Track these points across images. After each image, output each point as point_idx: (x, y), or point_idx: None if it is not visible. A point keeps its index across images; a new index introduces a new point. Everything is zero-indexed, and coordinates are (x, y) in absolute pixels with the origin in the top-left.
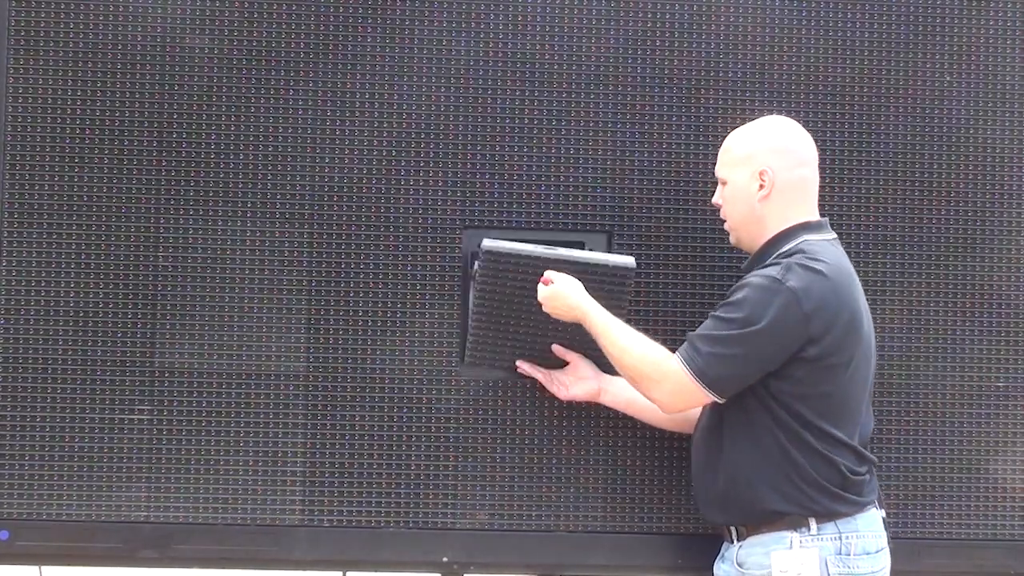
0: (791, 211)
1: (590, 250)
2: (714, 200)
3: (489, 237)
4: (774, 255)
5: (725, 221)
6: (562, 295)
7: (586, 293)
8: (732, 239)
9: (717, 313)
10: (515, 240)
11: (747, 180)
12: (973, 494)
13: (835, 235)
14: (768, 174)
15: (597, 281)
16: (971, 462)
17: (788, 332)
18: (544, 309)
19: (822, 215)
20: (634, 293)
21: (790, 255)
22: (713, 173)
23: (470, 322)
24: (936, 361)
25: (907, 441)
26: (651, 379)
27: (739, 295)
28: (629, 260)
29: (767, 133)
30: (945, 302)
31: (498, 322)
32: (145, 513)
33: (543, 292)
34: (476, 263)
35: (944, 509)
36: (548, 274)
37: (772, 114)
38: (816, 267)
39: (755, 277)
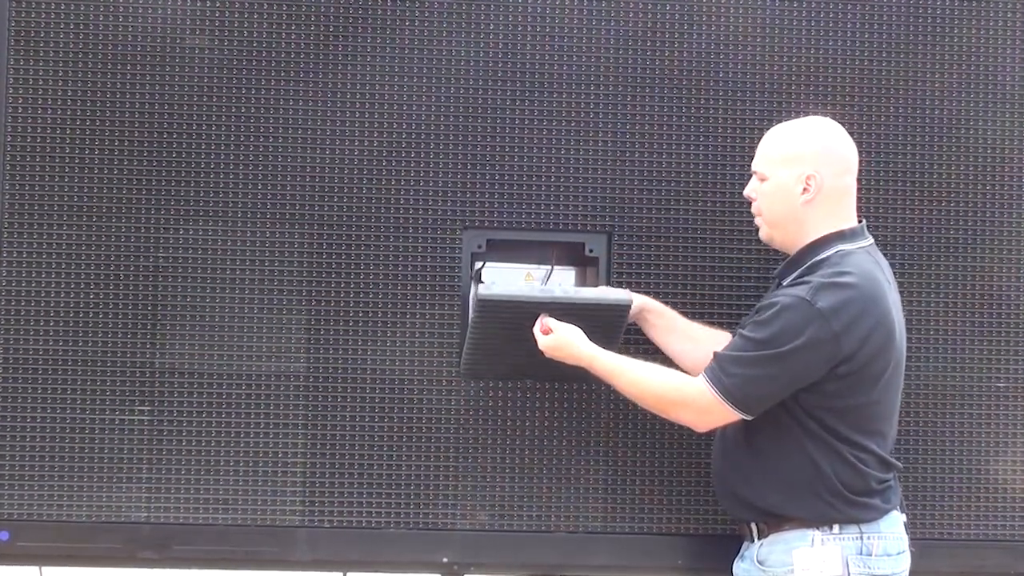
0: (831, 217)
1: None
2: (746, 192)
3: (484, 280)
4: (808, 263)
5: (758, 216)
6: (565, 344)
7: (588, 340)
8: (763, 235)
9: (745, 332)
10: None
11: (792, 181)
12: (973, 494)
13: (871, 240)
14: (815, 179)
15: (593, 318)
16: (971, 462)
17: (818, 353)
18: (547, 355)
19: None
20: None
21: (821, 267)
22: (713, 171)
23: (466, 343)
24: (936, 361)
25: (907, 441)
26: (676, 403)
27: (768, 314)
28: (625, 296)
29: (817, 136)
30: (944, 301)
31: (494, 349)
32: (145, 513)
33: (545, 342)
34: (477, 265)
35: (944, 509)
36: (547, 322)
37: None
38: (845, 280)
39: (784, 296)
